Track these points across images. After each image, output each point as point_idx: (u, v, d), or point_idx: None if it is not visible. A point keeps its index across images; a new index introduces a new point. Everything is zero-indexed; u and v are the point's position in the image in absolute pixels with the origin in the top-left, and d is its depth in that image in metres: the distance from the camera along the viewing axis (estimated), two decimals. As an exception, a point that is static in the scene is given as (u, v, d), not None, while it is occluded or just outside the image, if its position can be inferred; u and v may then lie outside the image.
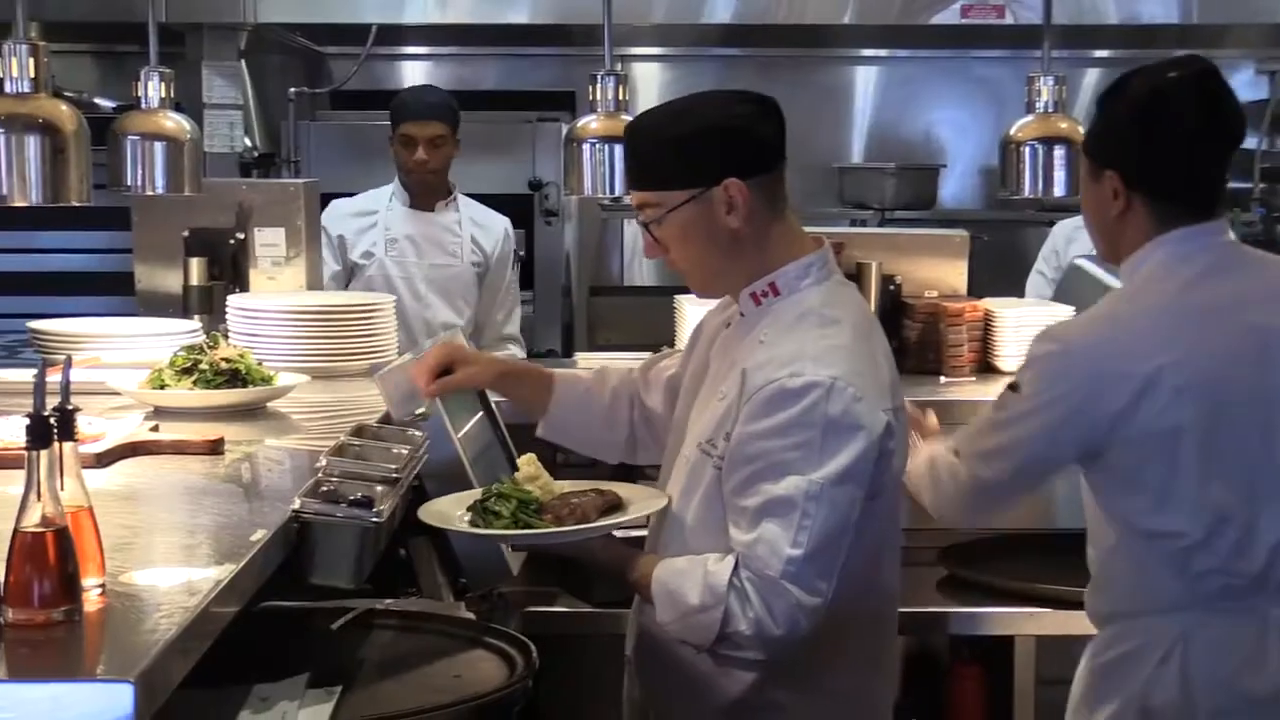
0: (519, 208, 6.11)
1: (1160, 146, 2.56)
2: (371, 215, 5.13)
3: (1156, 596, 2.54)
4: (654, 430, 2.81)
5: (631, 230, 7.47)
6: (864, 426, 2.36)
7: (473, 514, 2.54)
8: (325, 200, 4.88)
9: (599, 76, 4.08)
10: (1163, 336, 2.50)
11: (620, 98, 4.08)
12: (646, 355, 4.24)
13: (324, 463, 2.49)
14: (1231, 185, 7.31)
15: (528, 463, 2.58)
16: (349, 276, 5.12)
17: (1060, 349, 2.54)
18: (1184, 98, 2.54)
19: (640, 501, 2.57)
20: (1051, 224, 6.00)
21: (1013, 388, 2.58)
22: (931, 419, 2.95)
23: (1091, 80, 7.19)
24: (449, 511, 2.57)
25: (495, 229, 5.23)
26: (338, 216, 5.12)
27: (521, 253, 5.69)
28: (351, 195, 5.28)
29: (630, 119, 2.61)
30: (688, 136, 2.46)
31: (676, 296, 4.36)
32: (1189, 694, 2.51)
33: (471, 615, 2.78)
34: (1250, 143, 6.79)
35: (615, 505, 2.56)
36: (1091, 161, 2.62)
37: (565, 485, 2.59)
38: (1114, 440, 2.49)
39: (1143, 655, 2.54)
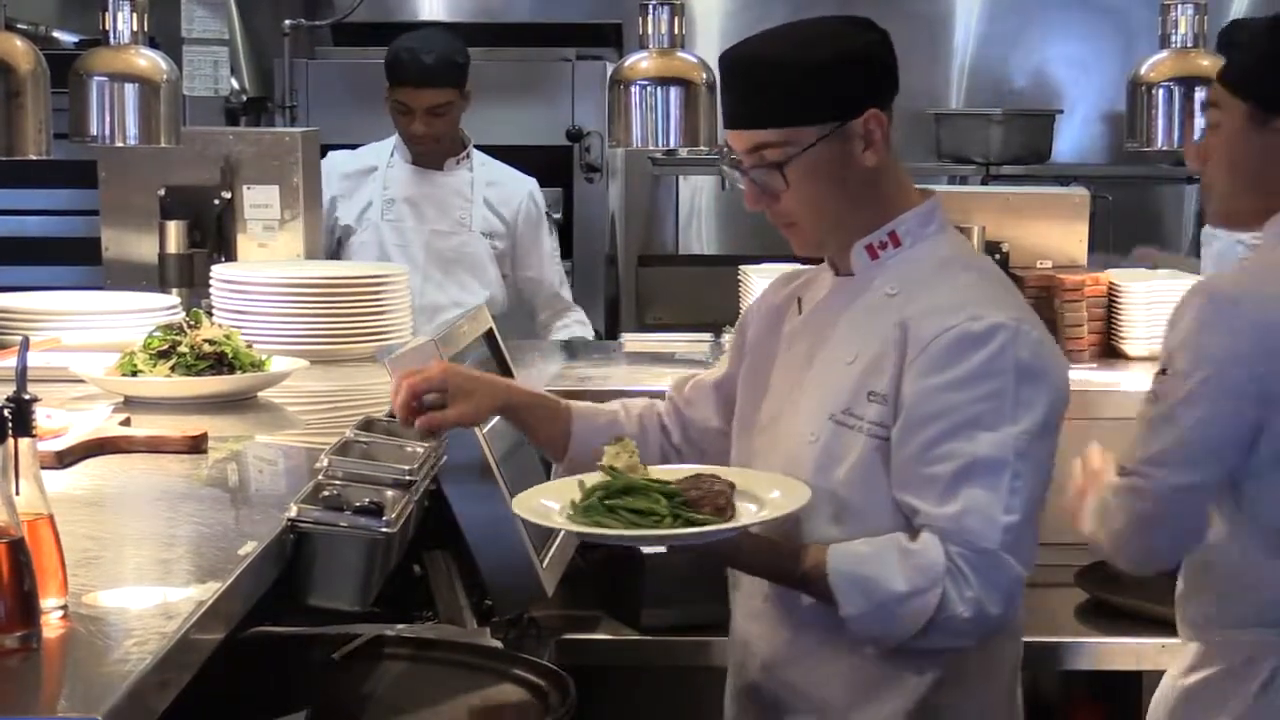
0: (555, 162, 6.11)
1: None
2: (369, 173, 5.14)
3: (1270, 603, 2.54)
4: (707, 445, 2.82)
5: (689, 189, 7.46)
6: (1051, 371, 2.46)
7: (590, 515, 2.43)
8: (324, 152, 4.89)
9: (650, 7, 4.07)
10: None
11: (676, 31, 4.07)
12: (706, 335, 4.30)
13: (325, 463, 2.50)
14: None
15: (625, 450, 2.52)
16: (336, 245, 5.13)
17: (1213, 301, 2.52)
18: None
19: (763, 484, 2.52)
20: (1190, 180, 5.96)
21: (1163, 372, 2.55)
22: (1095, 455, 2.77)
23: (1240, 9, 7.13)
24: (547, 511, 2.48)
25: (516, 191, 5.21)
26: (329, 174, 5.13)
27: (558, 216, 5.68)
28: (355, 147, 5.28)
29: (727, 50, 2.55)
30: (830, 64, 2.49)
31: (741, 267, 4.35)
32: None
33: (498, 643, 2.78)
34: None
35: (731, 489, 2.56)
36: (1257, 106, 2.61)
37: (657, 471, 2.55)
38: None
39: (1244, 676, 2.54)
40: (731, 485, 2.44)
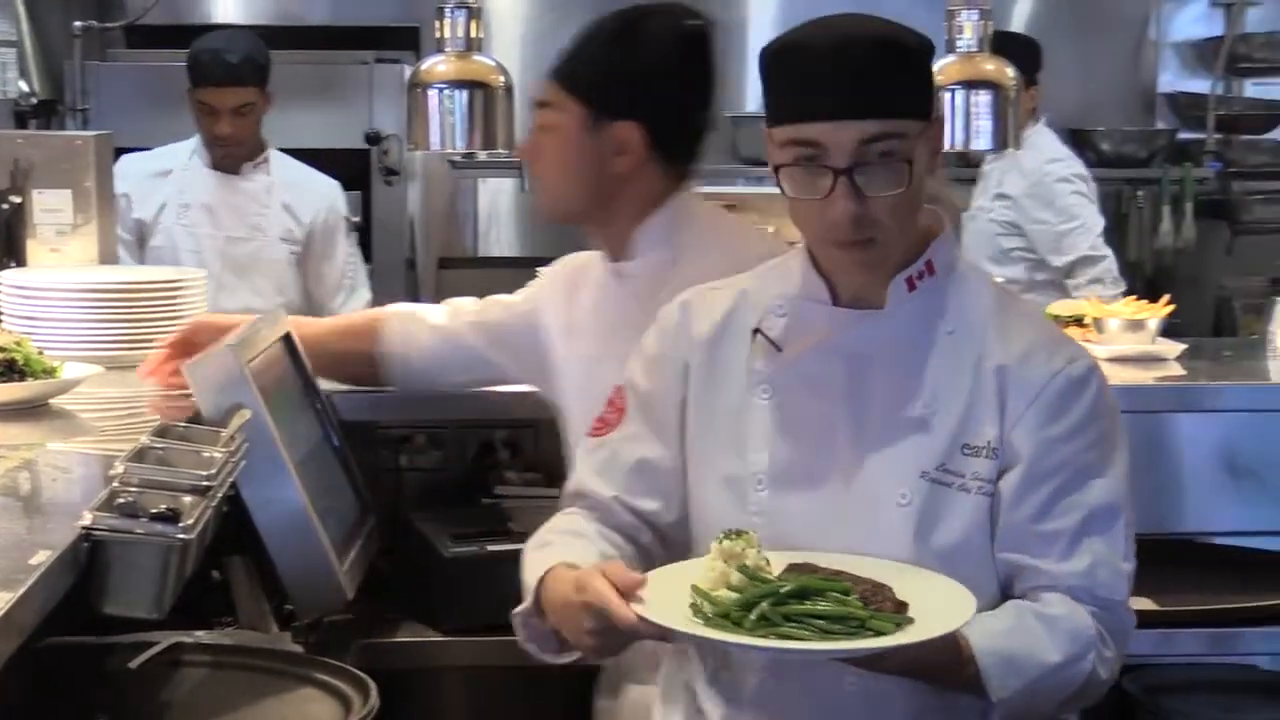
0: (354, 165, 6.09)
1: (693, 98, 2.76)
2: (164, 176, 5.06)
3: None
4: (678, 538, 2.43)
5: (488, 192, 7.46)
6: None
7: (771, 626, 2.07)
8: (118, 155, 4.82)
9: (447, 9, 4.06)
10: None
11: (473, 34, 4.06)
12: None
13: (120, 470, 2.46)
14: (1182, 137, 7.47)
15: (749, 544, 2.16)
16: (140, 243, 5.05)
17: None
18: (708, 49, 2.77)
19: (870, 569, 2.19)
20: (974, 181, 6.10)
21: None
22: None
23: (1021, 15, 7.29)
24: (715, 625, 2.10)
25: (317, 195, 5.18)
26: (125, 173, 5.06)
27: (357, 219, 5.65)
28: (148, 150, 5.21)
29: (816, 35, 2.23)
30: (927, 54, 2.27)
31: (540, 270, 4.35)
32: None
33: (299, 648, 2.76)
34: (1203, 86, 6.93)
35: None
36: (593, 109, 2.71)
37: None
38: None
39: None
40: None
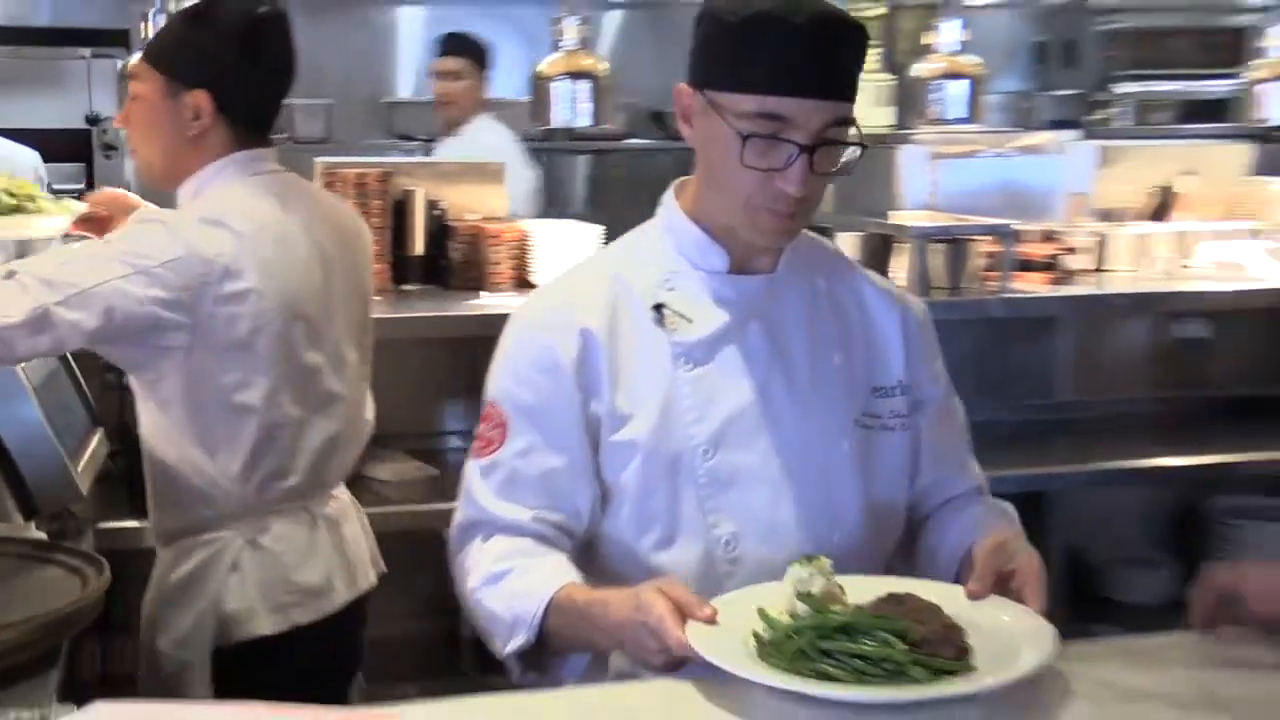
0: (78, 142, 5.88)
1: (257, 74, 2.62)
2: None
3: (221, 509, 2.61)
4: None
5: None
6: None
7: (805, 661, 1.63)
8: None
9: (150, 14, 3.96)
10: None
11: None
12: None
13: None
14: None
15: (821, 571, 1.75)
16: None
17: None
18: (279, 33, 2.63)
19: (948, 595, 1.76)
20: (581, 151, 6.18)
21: None
22: None
23: (614, 20, 7.39)
24: (739, 654, 1.66)
25: (22, 166, 4.94)
26: None
27: (81, 185, 5.45)
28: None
29: (807, 6, 1.84)
30: None
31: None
32: (252, 595, 2.58)
33: (43, 535, 2.69)
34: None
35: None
36: (170, 79, 2.60)
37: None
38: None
39: (213, 566, 2.60)
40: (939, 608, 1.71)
